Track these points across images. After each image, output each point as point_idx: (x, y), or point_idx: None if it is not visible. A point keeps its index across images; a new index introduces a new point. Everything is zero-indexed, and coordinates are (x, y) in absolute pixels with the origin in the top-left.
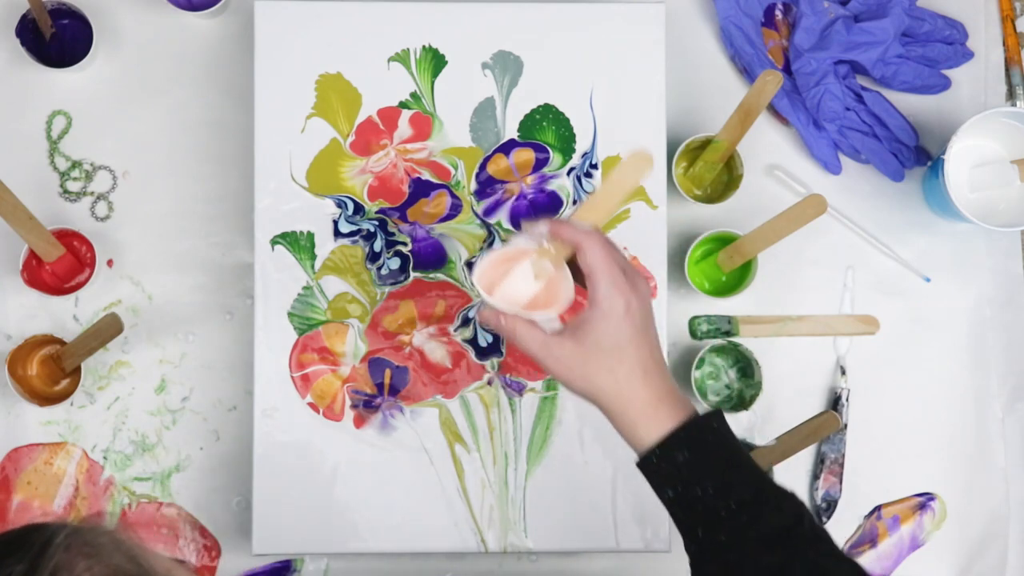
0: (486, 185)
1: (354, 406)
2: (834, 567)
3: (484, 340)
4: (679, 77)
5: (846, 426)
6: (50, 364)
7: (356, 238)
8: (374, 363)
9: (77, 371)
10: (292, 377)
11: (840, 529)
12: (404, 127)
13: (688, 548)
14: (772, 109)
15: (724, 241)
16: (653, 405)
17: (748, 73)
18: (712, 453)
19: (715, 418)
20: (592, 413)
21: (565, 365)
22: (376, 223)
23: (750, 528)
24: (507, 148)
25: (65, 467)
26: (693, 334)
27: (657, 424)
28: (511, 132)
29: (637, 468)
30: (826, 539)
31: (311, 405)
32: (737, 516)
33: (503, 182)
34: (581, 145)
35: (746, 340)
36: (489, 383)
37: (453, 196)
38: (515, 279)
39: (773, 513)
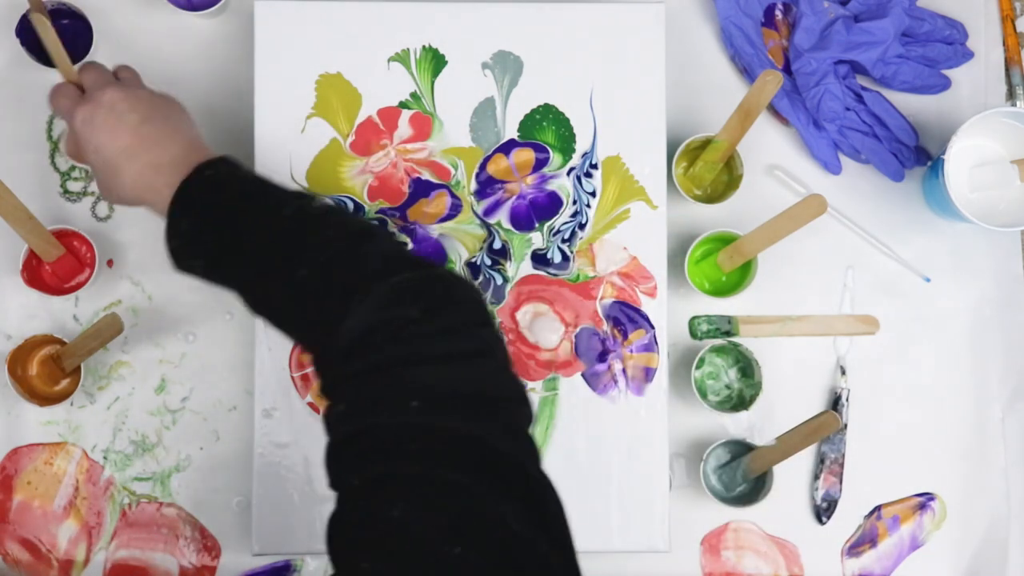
0: (486, 185)
1: None
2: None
3: None
4: (679, 77)
5: (846, 426)
6: (50, 364)
7: None
8: None
9: (77, 371)
10: (292, 377)
11: (840, 529)
12: (404, 127)
13: (244, 293)
14: (772, 109)
15: (724, 241)
16: (157, 178)
17: (748, 73)
18: (214, 198)
19: (210, 166)
20: (593, 414)
21: (104, 190)
22: (376, 223)
23: (268, 232)
24: (507, 148)
25: (65, 467)
26: (693, 334)
27: (172, 178)
28: (511, 132)
29: (174, 262)
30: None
31: (311, 405)
32: (255, 233)
33: (503, 182)
34: (581, 145)
35: (746, 340)
36: None
37: (453, 196)
38: None
39: (285, 208)
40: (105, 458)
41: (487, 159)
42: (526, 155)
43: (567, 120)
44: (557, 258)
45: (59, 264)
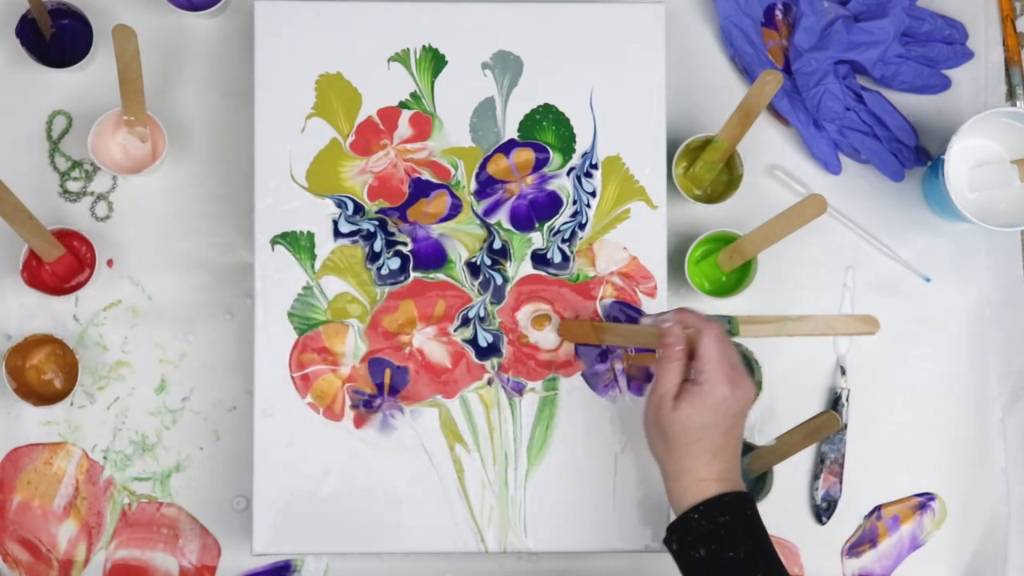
0: (486, 185)
1: (354, 406)
2: None
3: (484, 340)
4: (679, 77)
5: (846, 426)
6: (50, 362)
7: (356, 238)
8: (374, 363)
9: (74, 371)
10: (292, 377)
11: (840, 529)
12: (404, 127)
13: None
14: (772, 109)
15: (724, 241)
16: (707, 482)
17: (748, 73)
18: (749, 522)
19: (752, 500)
20: (593, 414)
21: (654, 423)
22: (376, 223)
23: None
24: (507, 148)
25: (65, 467)
26: None
27: (702, 494)
28: (511, 132)
29: (667, 533)
30: None
31: (311, 405)
32: None
33: (503, 182)
34: (581, 145)
35: (746, 340)
36: (489, 383)
37: (453, 196)
38: None
39: None
40: (105, 458)
41: (487, 159)
42: (526, 155)
43: (567, 120)
44: (557, 258)
45: (59, 264)
